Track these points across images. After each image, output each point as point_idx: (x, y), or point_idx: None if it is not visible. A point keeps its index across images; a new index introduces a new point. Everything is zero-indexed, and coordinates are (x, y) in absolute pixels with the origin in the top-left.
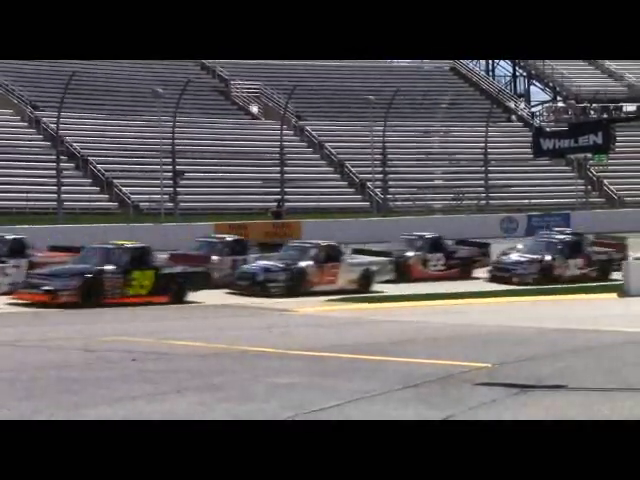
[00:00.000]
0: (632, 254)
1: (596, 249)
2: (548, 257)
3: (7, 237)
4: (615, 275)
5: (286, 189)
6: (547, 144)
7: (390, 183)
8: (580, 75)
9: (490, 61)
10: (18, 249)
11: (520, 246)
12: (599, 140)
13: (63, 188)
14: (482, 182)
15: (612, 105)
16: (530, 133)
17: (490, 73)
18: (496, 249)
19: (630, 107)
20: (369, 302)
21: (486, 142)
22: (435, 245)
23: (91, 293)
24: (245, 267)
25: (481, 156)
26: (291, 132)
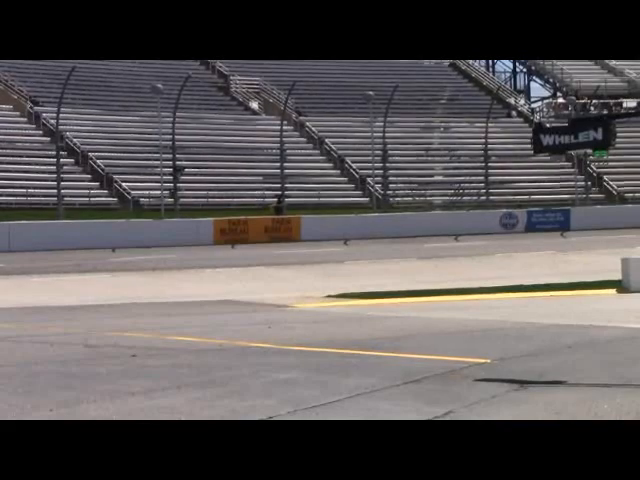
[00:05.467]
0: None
1: None
2: None
3: None
4: None
5: (286, 185)
6: (547, 140)
7: (390, 179)
8: (580, 71)
9: None
10: None
11: None
12: (599, 136)
13: (63, 183)
14: (482, 178)
15: (612, 101)
16: (530, 129)
17: (490, 69)
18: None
19: (630, 103)
20: (369, 298)
21: (486, 138)
22: None
23: None
24: None
25: (481, 152)
26: (291, 128)
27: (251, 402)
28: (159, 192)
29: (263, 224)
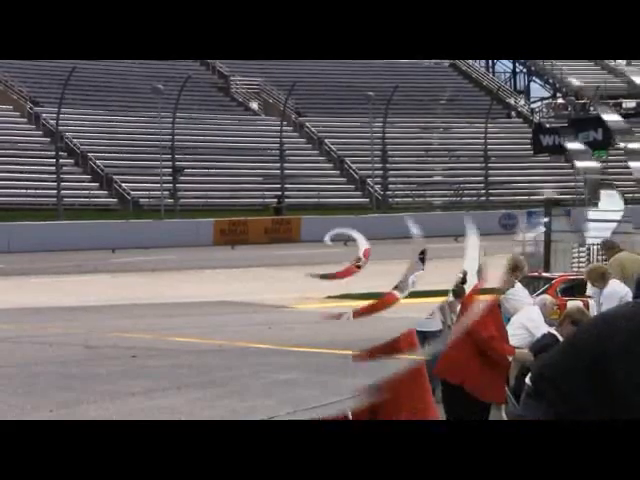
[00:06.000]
0: None
1: None
2: None
3: None
4: None
5: (286, 185)
6: (547, 140)
7: (390, 179)
8: (580, 71)
9: None
10: None
11: None
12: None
13: (62, 184)
14: (482, 178)
15: (612, 101)
16: (530, 129)
17: (490, 69)
18: None
19: (630, 103)
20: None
21: (486, 138)
22: None
23: None
24: None
25: (481, 152)
26: (291, 128)
27: (251, 402)
28: (159, 193)
29: (263, 225)
